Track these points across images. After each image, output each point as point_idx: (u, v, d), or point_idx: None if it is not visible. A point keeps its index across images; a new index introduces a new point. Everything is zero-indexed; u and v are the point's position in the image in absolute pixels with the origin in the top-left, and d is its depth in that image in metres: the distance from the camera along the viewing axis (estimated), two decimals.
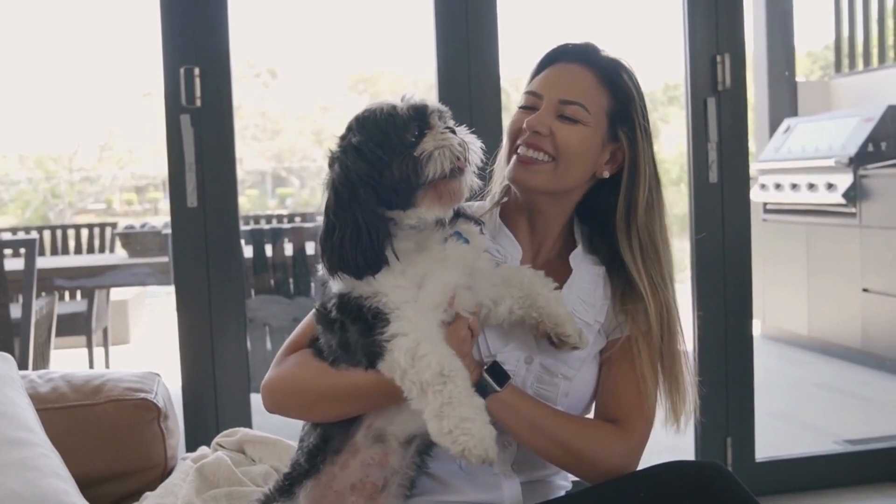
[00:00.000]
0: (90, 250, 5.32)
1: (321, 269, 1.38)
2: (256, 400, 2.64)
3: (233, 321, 2.79)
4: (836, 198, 4.93)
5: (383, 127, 1.29)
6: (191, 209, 2.73)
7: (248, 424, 2.75)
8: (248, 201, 12.71)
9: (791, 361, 5.32)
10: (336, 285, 1.33)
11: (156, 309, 7.53)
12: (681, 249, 3.46)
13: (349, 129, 1.33)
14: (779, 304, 5.66)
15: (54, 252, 5.30)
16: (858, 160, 4.85)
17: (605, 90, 1.51)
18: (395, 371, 1.25)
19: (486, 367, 1.41)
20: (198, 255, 2.75)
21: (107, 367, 5.14)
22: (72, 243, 5.34)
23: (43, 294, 4.27)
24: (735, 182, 3.03)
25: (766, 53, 6.22)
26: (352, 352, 1.34)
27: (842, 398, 4.58)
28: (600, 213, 1.58)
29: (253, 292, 3.72)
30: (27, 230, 5.97)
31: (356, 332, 1.31)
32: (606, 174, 1.54)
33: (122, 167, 12.96)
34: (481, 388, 1.35)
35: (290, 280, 3.77)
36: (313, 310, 1.49)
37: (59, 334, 4.39)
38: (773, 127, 6.05)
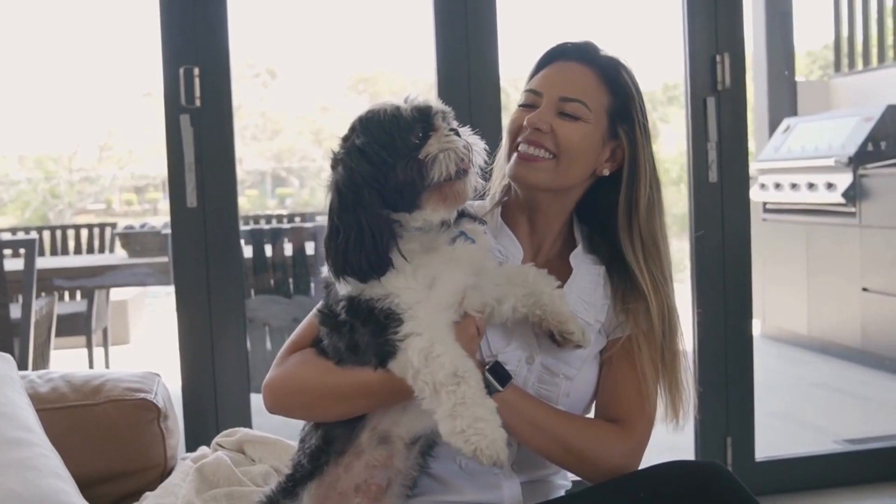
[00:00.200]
0: (90, 250, 5.31)
1: (325, 272, 1.37)
2: (256, 400, 2.64)
3: (232, 321, 2.79)
4: (836, 197, 4.93)
5: (387, 128, 1.28)
6: (190, 209, 2.73)
7: (248, 424, 2.75)
8: (248, 201, 12.70)
9: (791, 361, 5.32)
10: (344, 288, 1.31)
11: (156, 309, 7.53)
12: (680, 249, 3.46)
13: (352, 129, 1.32)
14: (778, 303, 5.66)
15: (54, 252, 5.30)
16: (858, 160, 4.85)
17: (604, 88, 1.51)
18: (407, 370, 1.24)
19: (487, 366, 1.41)
20: (197, 256, 2.75)
21: (107, 367, 5.14)
22: (71, 243, 5.34)
23: (43, 294, 4.27)
24: (735, 182, 3.03)
25: (766, 53, 6.22)
26: (360, 353, 1.33)
27: (841, 398, 4.58)
28: (600, 212, 1.58)
29: (253, 292, 3.72)
30: (27, 230, 5.97)
31: (367, 334, 1.30)
32: (607, 172, 1.55)
33: (122, 167, 12.95)
34: None
35: (290, 280, 3.77)
36: (314, 310, 1.48)
37: (58, 334, 4.38)
38: (773, 126, 6.05)
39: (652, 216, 1.53)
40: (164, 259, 4.14)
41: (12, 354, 2.14)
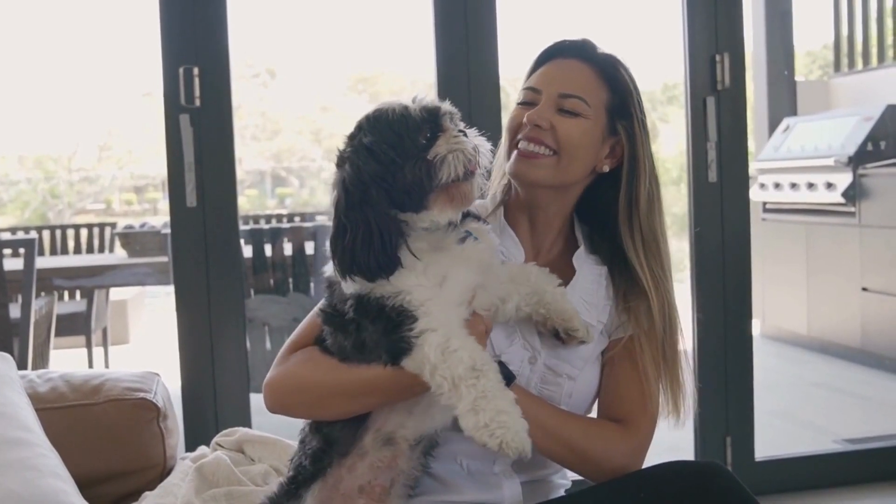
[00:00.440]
0: (89, 250, 5.32)
1: (329, 271, 1.37)
2: (256, 399, 2.64)
3: (232, 321, 2.79)
4: (836, 197, 4.94)
5: (396, 128, 1.27)
6: (190, 209, 2.73)
7: (248, 424, 2.75)
8: (248, 201, 12.70)
9: (790, 361, 5.32)
10: (350, 287, 1.31)
11: (155, 309, 7.53)
12: (680, 249, 3.46)
13: (359, 128, 1.32)
14: (778, 303, 5.66)
15: (54, 252, 5.30)
16: (858, 159, 4.85)
17: (603, 84, 1.52)
18: (423, 366, 1.24)
19: None
20: (197, 255, 2.75)
21: (106, 366, 5.14)
22: (71, 243, 5.34)
23: (42, 294, 4.27)
24: (734, 181, 3.03)
25: (766, 53, 6.22)
26: (367, 351, 1.32)
27: (841, 397, 4.58)
28: (600, 209, 1.58)
29: (252, 292, 3.72)
30: (26, 230, 5.96)
31: (377, 332, 1.29)
32: (606, 168, 1.55)
33: (122, 167, 12.95)
34: None
35: (290, 280, 3.77)
36: (315, 310, 1.48)
37: (58, 334, 4.38)
38: (773, 126, 6.05)
39: (652, 211, 1.53)
40: (164, 259, 4.14)
41: (12, 354, 2.13)
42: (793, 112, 6.23)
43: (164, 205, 11.52)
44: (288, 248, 3.75)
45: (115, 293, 5.88)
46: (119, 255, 4.83)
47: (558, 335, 1.47)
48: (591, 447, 1.46)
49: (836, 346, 5.18)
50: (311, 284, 3.78)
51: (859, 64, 6.31)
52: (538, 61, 1.57)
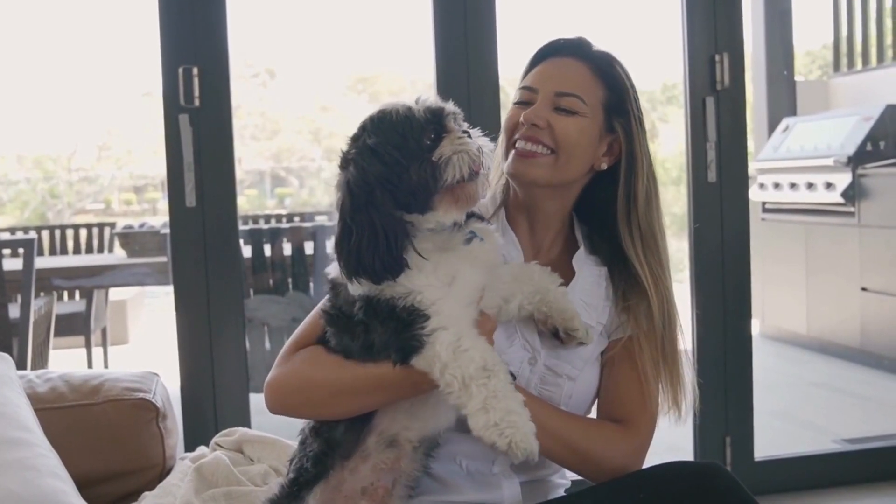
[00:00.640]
0: (89, 250, 5.31)
1: (333, 272, 1.37)
2: (255, 399, 2.65)
3: (231, 321, 2.79)
4: (835, 197, 4.94)
5: (400, 129, 1.27)
6: (189, 209, 2.73)
7: (247, 424, 2.75)
8: (247, 201, 12.69)
9: (790, 360, 5.32)
10: (357, 288, 1.30)
11: (154, 309, 7.53)
12: (680, 249, 3.46)
13: (363, 129, 1.31)
14: (778, 303, 5.66)
15: (53, 252, 5.29)
16: (857, 159, 4.85)
17: (599, 82, 1.52)
18: (434, 365, 1.24)
19: None
20: (196, 255, 2.75)
21: (105, 367, 5.14)
22: (70, 243, 5.34)
23: (41, 294, 4.26)
24: (734, 181, 3.03)
25: (765, 53, 6.22)
26: (375, 351, 1.32)
27: (841, 397, 4.58)
28: (598, 208, 1.58)
29: (252, 292, 3.72)
30: (26, 230, 5.96)
31: (387, 332, 1.29)
32: (604, 166, 1.55)
33: (121, 167, 12.94)
34: None
35: (289, 280, 3.77)
36: (317, 310, 1.48)
37: (57, 334, 4.38)
38: (772, 126, 6.05)
39: (650, 208, 1.54)
40: (163, 259, 4.14)
41: (11, 354, 2.13)
42: (792, 112, 6.23)
43: (163, 205, 11.51)
44: (287, 248, 3.75)
45: (115, 293, 5.88)
46: (118, 255, 4.83)
47: (558, 335, 1.47)
48: (592, 448, 1.46)
49: (835, 345, 5.19)
50: (311, 284, 3.78)
51: (859, 64, 6.31)
52: (534, 60, 1.57)
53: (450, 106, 1.32)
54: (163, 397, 1.85)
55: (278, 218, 5.59)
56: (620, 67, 1.54)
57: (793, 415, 4.19)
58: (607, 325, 1.57)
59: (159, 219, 7.04)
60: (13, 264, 3.75)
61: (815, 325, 5.34)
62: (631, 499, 1.40)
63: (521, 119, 1.50)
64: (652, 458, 1.51)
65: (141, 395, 1.79)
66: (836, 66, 6.56)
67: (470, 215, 1.38)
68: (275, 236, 3.77)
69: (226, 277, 2.78)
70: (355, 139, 1.32)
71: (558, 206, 1.57)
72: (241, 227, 3.28)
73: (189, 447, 2.63)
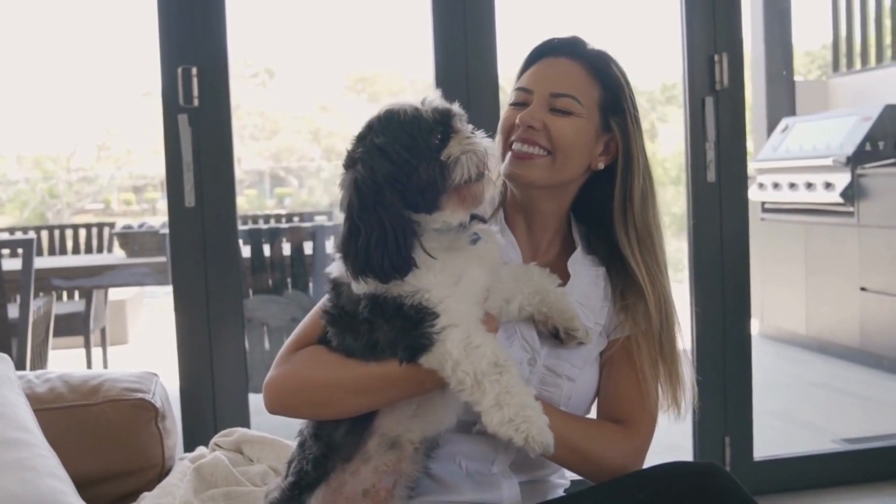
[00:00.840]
0: (88, 250, 5.31)
1: (335, 271, 1.37)
2: (254, 400, 2.64)
3: (231, 321, 2.79)
4: (834, 197, 4.94)
5: (408, 129, 1.28)
6: (189, 209, 2.73)
7: (246, 424, 2.75)
8: (246, 201, 12.68)
9: (789, 360, 5.32)
10: (361, 287, 1.30)
11: (154, 309, 7.53)
12: (679, 249, 3.46)
13: (369, 128, 1.31)
14: (777, 303, 5.66)
15: (52, 252, 5.29)
16: (856, 159, 4.85)
17: (595, 82, 1.51)
18: (444, 362, 1.24)
19: None
20: (196, 255, 2.75)
21: (104, 367, 5.14)
22: (70, 243, 5.34)
23: (41, 294, 4.26)
24: (733, 181, 3.03)
25: (764, 53, 6.23)
26: (381, 351, 1.32)
27: (840, 397, 4.58)
28: (595, 207, 1.58)
29: (251, 292, 3.72)
30: (25, 230, 5.96)
31: (393, 330, 1.29)
32: (601, 165, 1.55)
33: (120, 167, 12.94)
34: None
35: (289, 280, 3.76)
36: (317, 310, 1.47)
37: (56, 334, 4.38)
38: (771, 126, 6.05)
39: (646, 206, 1.53)
40: (163, 259, 4.14)
41: (10, 354, 2.13)
42: (791, 112, 6.24)
43: (162, 205, 11.51)
44: (286, 248, 3.75)
45: (114, 293, 5.87)
46: (118, 255, 4.83)
47: (557, 335, 1.47)
48: (592, 448, 1.46)
49: (834, 345, 5.19)
50: (310, 284, 3.78)
51: (858, 64, 6.31)
52: (528, 61, 1.57)
53: (456, 107, 1.32)
54: (162, 397, 1.85)
55: (277, 218, 5.59)
56: (615, 66, 1.54)
57: (792, 415, 4.19)
58: (606, 324, 1.57)
59: (159, 219, 7.04)
60: (12, 264, 3.74)
61: (814, 325, 5.34)
62: (630, 499, 1.40)
63: (517, 121, 1.50)
64: (651, 458, 1.51)
65: (140, 395, 1.79)
66: (836, 66, 6.56)
67: (472, 217, 1.38)
68: (274, 236, 3.76)
69: (225, 277, 2.78)
70: (361, 138, 1.31)
71: (555, 207, 1.57)
72: (241, 227, 3.28)
73: (188, 447, 2.63)
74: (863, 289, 4.85)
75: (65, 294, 5.08)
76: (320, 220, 5.44)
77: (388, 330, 1.30)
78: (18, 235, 5.38)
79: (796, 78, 6.57)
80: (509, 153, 1.51)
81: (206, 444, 1.95)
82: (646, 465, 1.50)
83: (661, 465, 1.43)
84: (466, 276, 1.32)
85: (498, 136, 1.56)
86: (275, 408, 1.45)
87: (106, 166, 12.92)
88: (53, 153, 12.53)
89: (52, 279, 4.27)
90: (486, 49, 2.87)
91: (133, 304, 6.74)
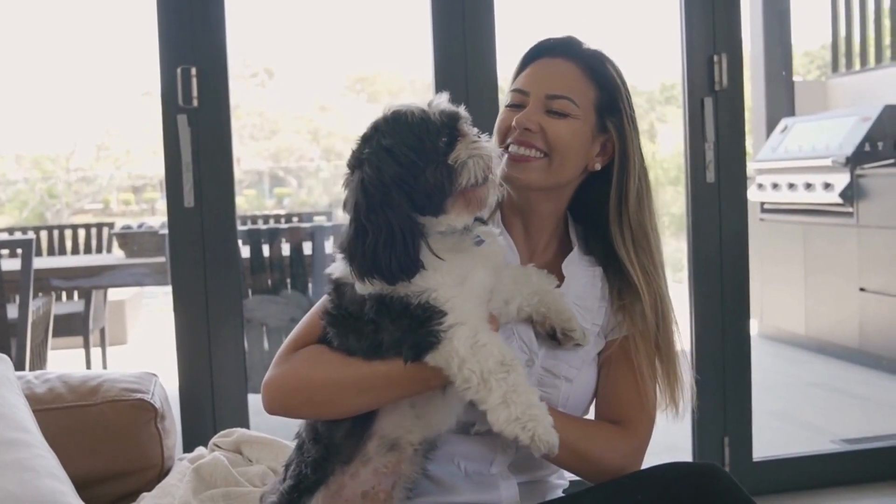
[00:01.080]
0: (87, 250, 5.31)
1: (336, 272, 1.36)
2: (254, 400, 2.64)
3: (230, 321, 2.79)
4: (834, 197, 4.94)
5: (416, 131, 1.27)
6: (188, 209, 2.73)
7: (246, 425, 2.75)
8: (246, 201, 12.68)
9: (788, 361, 5.32)
10: (366, 287, 1.30)
11: (153, 309, 7.53)
12: (678, 249, 3.46)
13: (375, 129, 1.31)
14: (776, 303, 5.66)
15: (51, 252, 5.29)
16: (855, 160, 4.85)
17: (591, 82, 1.51)
18: (451, 360, 1.24)
19: None
20: (195, 256, 2.75)
21: (104, 367, 5.14)
22: (69, 243, 5.34)
23: (40, 294, 4.26)
24: (732, 182, 3.03)
25: (764, 53, 6.23)
26: (385, 350, 1.31)
27: (839, 397, 4.58)
28: (592, 207, 1.58)
29: (250, 292, 3.71)
30: (24, 230, 5.96)
31: (399, 330, 1.29)
32: (598, 166, 1.55)
33: (120, 167, 12.94)
34: None
35: (288, 280, 3.76)
36: (316, 311, 1.47)
37: (56, 335, 4.38)
38: (771, 126, 6.05)
39: (641, 207, 1.53)
40: (162, 259, 4.14)
41: (9, 355, 2.13)
42: (791, 112, 6.24)
43: (161, 205, 11.51)
44: (286, 249, 3.75)
45: (113, 293, 5.88)
46: (117, 255, 4.84)
47: (555, 335, 1.47)
48: (590, 448, 1.46)
49: (833, 346, 5.19)
50: (309, 284, 3.78)
51: (857, 64, 6.32)
52: (524, 61, 1.57)
53: (462, 110, 1.32)
54: (161, 398, 1.85)
55: (277, 218, 5.59)
56: (611, 66, 1.54)
57: (791, 415, 4.19)
58: (604, 325, 1.57)
59: (158, 219, 7.04)
60: (11, 265, 3.74)
61: (813, 326, 5.34)
62: (629, 500, 1.40)
63: (514, 123, 1.50)
64: (650, 458, 1.51)
65: (139, 395, 1.79)
66: (835, 66, 6.57)
67: (475, 218, 1.38)
68: (273, 236, 3.76)
69: (224, 277, 2.78)
70: (367, 139, 1.31)
71: (552, 208, 1.57)
72: (240, 228, 3.28)
73: (187, 448, 2.63)
74: (862, 289, 4.85)
75: (64, 294, 5.08)
76: (319, 220, 5.45)
77: (393, 329, 1.30)
78: (17, 235, 5.38)
79: (795, 78, 6.57)
80: (506, 156, 1.51)
81: (206, 445, 1.95)
82: (645, 466, 1.50)
83: (660, 465, 1.43)
84: (472, 277, 1.32)
85: (494, 138, 1.55)
86: (274, 408, 1.44)
87: (105, 166, 12.92)
88: (52, 153, 12.54)
89: (51, 279, 4.27)
90: (486, 49, 2.87)
91: (132, 305, 6.74)
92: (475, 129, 1.33)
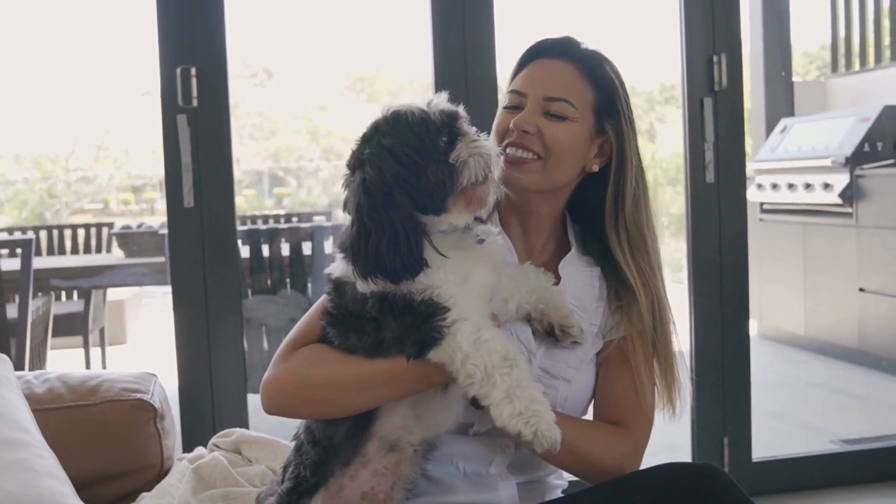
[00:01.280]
0: (87, 250, 5.31)
1: (337, 271, 1.36)
2: (253, 400, 2.64)
3: (229, 321, 2.79)
4: (833, 198, 4.94)
5: (417, 131, 1.28)
6: (187, 209, 2.73)
7: (245, 425, 2.75)
8: (245, 201, 12.68)
9: (788, 361, 5.33)
10: (368, 286, 1.30)
11: (152, 309, 7.53)
12: (678, 249, 3.46)
13: (376, 129, 1.31)
14: (775, 303, 5.66)
15: (51, 252, 5.30)
16: (855, 160, 4.85)
17: (589, 84, 1.51)
18: (454, 356, 1.24)
19: None
20: (194, 256, 2.75)
21: (103, 367, 5.14)
22: (68, 243, 5.34)
23: (39, 294, 4.26)
24: (732, 182, 3.03)
25: (763, 53, 6.23)
26: (386, 348, 1.31)
27: (838, 398, 4.58)
28: (589, 208, 1.58)
29: (250, 292, 3.71)
30: (24, 230, 5.96)
31: (402, 327, 1.29)
32: (596, 168, 1.54)
33: (119, 167, 12.94)
34: None
35: (287, 280, 3.76)
36: (315, 310, 1.47)
37: (55, 335, 4.38)
38: (770, 127, 6.05)
39: (638, 209, 1.53)
40: (161, 259, 4.14)
41: (9, 355, 2.13)
42: (790, 113, 6.24)
43: (161, 205, 11.51)
44: (285, 249, 3.75)
45: (113, 293, 5.87)
46: (116, 255, 4.84)
47: (552, 333, 1.47)
48: (589, 449, 1.46)
49: (833, 346, 5.19)
50: (309, 284, 3.78)
51: (856, 64, 6.32)
52: (521, 62, 1.56)
53: (461, 109, 1.33)
54: (160, 398, 1.85)
55: (276, 218, 5.59)
56: (609, 66, 1.53)
57: (791, 415, 4.19)
58: (602, 325, 1.57)
59: (157, 219, 7.04)
60: (11, 264, 3.74)
61: (812, 326, 5.35)
62: (628, 500, 1.40)
63: (511, 125, 1.49)
64: (649, 459, 1.51)
65: (139, 395, 1.79)
66: (834, 66, 6.57)
67: (475, 218, 1.38)
68: (273, 236, 3.76)
69: (224, 277, 2.78)
70: (368, 139, 1.31)
71: (550, 209, 1.57)
72: (239, 228, 3.28)
73: (187, 448, 2.63)
74: (861, 289, 4.85)
75: (63, 294, 5.08)
76: (319, 220, 5.45)
77: (396, 327, 1.30)
78: (17, 235, 5.38)
79: (795, 78, 6.57)
80: (502, 157, 1.51)
81: (205, 445, 1.95)
82: (644, 466, 1.50)
83: (659, 466, 1.43)
84: (474, 275, 1.32)
85: (492, 139, 1.55)
86: (273, 407, 1.43)
87: (105, 166, 12.92)
88: (52, 153, 12.54)
89: (50, 279, 4.27)
90: (485, 49, 2.87)
91: (132, 305, 6.74)
92: (474, 128, 1.33)
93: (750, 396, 3.09)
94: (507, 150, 1.50)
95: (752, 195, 5.55)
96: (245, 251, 3.64)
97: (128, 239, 4.42)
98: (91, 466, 1.71)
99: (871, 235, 4.77)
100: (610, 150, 1.53)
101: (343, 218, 1.34)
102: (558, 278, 1.54)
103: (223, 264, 2.77)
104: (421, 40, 2.96)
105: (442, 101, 1.32)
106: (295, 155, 13.50)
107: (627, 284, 1.53)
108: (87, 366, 4.88)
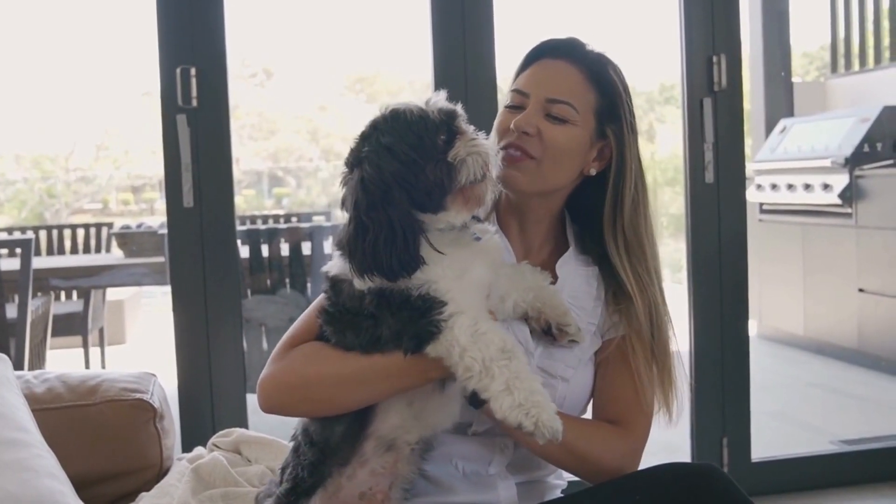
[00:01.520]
0: (86, 250, 5.32)
1: (334, 269, 1.36)
2: (253, 400, 2.63)
3: (229, 321, 2.79)
4: (832, 198, 4.94)
5: (415, 129, 1.28)
6: (187, 209, 2.73)
7: (245, 425, 2.75)
8: (245, 201, 12.69)
9: (787, 361, 5.33)
10: (365, 283, 1.30)
11: (152, 309, 7.53)
12: (677, 250, 3.46)
13: (374, 128, 1.31)
14: (775, 304, 5.66)
15: (50, 252, 5.30)
16: (854, 161, 4.86)
17: (592, 87, 1.50)
18: (452, 349, 1.24)
19: None
20: (194, 256, 2.75)
21: (103, 367, 5.14)
22: (68, 243, 5.34)
23: (39, 294, 4.26)
24: (731, 182, 3.03)
25: (763, 54, 6.23)
26: (384, 344, 1.31)
27: (838, 398, 4.58)
28: (588, 210, 1.58)
29: (249, 292, 3.72)
30: (23, 230, 5.96)
31: (399, 322, 1.29)
32: (594, 171, 1.54)
33: (119, 167, 12.95)
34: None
35: (287, 280, 3.76)
36: (312, 309, 1.47)
37: (55, 334, 4.38)
38: (770, 127, 6.05)
39: (636, 214, 1.52)
40: (161, 259, 4.14)
41: (8, 354, 2.13)
42: (789, 113, 6.24)
43: (161, 205, 11.51)
44: (285, 249, 3.75)
45: (112, 293, 5.88)
46: (116, 255, 4.84)
47: (550, 331, 1.47)
48: (588, 449, 1.46)
49: (832, 346, 5.19)
50: (308, 284, 3.78)
51: (856, 65, 6.32)
52: (525, 61, 1.55)
53: (459, 108, 1.33)
54: (160, 398, 1.85)
55: (276, 218, 5.59)
56: (613, 70, 1.52)
57: (790, 416, 4.19)
58: (600, 325, 1.57)
59: (157, 219, 7.04)
60: (10, 264, 3.75)
61: (812, 326, 5.35)
62: (628, 500, 1.39)
63: (512, 126, 1.49)
64: (649, 459, 1.51)
65: (138, 395, 1.79)
66: (834, 67, 6.57)
67: (472, 216, 1.38)
68: (272, 236, 3.76)
69: (223, 277, 2.78)
70: (366, 137, 1.31)
71: (548, 210, 1.57)
72: (239, 228, 3.28)
73: (186, 448, 2.63)
74: (861, 290, 4.85)
75: (63, 294, 5.08)
76: (318, 220, 5.45)
77: (393, 322, 1.30)
78: (16, 235, 5.38)
79: (794, 79, 6.57)
80: (500, 156, 1.51)
81: (205, 445, 1.95)
82: (643, 466, 1.50)
83: (659, 466, 1.43)
84: (471, 271, 1.32)
85: (493, 138, 1.55)
86: (270, 406, 1.43)
87: (104, 166, 12.92)
88: (52, 153, 12.54)
89: (50, 279, 4.27)
90: (485, 50, 2.87)
91: (131, 305, 6.74)
92: (472, 127, 1.33)
93: (749, 397, 3.09)
94: (507, 150, 1.49)
95: (752, 195, 5.55)
96: (244, 251, 3.64)
97: (127, 239, 4.43)
98: (90, 466, 1.71)
99: (871, 236, 4.77)
100: (610, 155, 1.53)
101: (342, 217, 1.33)
102: (556, 277, 1.54)
103: (223, 264, 2.77)
104: (421, 40, 2.96)
105: (440, 99, 1.32)
106: (294, 155, 13.50)
107: (624, 290, 1.52)
108: (87, 366, 4.88)
